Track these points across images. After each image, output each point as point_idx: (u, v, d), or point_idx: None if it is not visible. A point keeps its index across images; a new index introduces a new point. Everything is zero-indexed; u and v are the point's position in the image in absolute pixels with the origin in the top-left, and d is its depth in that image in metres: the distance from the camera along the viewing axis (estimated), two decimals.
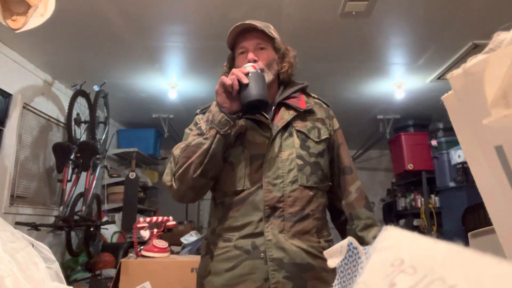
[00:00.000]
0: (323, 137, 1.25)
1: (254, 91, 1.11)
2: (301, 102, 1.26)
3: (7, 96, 2.90)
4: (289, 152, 1.19)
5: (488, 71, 0.37)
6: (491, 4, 2.33)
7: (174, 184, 1.17)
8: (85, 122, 3.52)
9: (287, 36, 2.75)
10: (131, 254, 2.01)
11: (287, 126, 1.22)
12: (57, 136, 3.62)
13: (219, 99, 1.13)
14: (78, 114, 3.43)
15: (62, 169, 3.17)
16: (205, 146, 1.12)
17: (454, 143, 4.12)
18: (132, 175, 4.33)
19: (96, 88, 3.46)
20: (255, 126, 1.21)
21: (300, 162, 1.18)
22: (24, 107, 3.11)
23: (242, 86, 1.11)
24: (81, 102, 3.46)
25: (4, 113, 2.89)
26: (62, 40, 2.82)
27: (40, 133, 3.37)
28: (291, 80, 1.32)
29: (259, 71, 1.15)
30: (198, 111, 1.36)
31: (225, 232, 1.19)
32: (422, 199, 4.52)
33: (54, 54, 3.08)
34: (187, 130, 1.33)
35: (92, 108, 3.47)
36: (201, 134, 1.16)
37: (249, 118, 1.21)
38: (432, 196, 4.50)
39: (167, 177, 1.20)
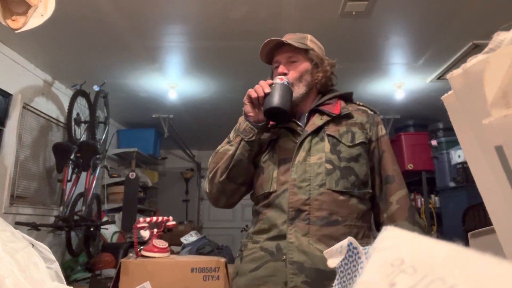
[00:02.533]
0: (357, 141, 1.20)
1: (274, 100, 1.17)
2: (336, 107, 1.25)
3: (7, 96, 2.90)
4: (318, 156, 1.18)
5: (488, 71, 0.37)
6: (491, 4, 2.33)
7: (207, 188, 1.26)
8: (85, 122, 3.52)
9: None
10: (131, 254, 2.01)
11: (318, 131, 1.21)
12: (57, 136, 3.62)
13: (245, 109, 1.22)
14: (78, 114, 3.43)
15: (62, 169, 3.17)
16: (230, 152, 1.21)
17: (454, 143, 4.12)
18: (132, 175, 4.33)
19: (96, 88, 3.46)
20: (288, 133, 1.25)
21: (329, 166, 1.16)
22: (24, 107, 3.11)
23: (266, 96, 1.19)
24: (81, 102, 3.46)
25: (4, 113, 2.89)
26: (62, 40, 2.82)
27: (40, 133, 3.37)
28: (330, 89, 1.33)
29: (285, 82, 1.21)
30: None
31: (255, 234, 1.21)
32: (422, 199, 4.52)
33: (54, 54, 3.08)
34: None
35: (92, 108, 3.47)
36: (229, 142, 1.25)
37: (282, 126, 1.26)
38: (432, 196, 4.50)
39: (205, 184, 1.29)
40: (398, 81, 3.60)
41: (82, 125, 3.50)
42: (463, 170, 3.84)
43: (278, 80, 1.21)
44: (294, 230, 1.12)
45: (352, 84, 3.70)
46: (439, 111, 4.05)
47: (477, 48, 2.83)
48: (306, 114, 1.27)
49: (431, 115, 4.49)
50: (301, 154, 1.18)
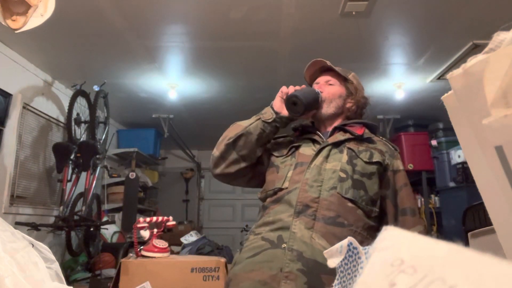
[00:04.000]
0: (374, 160, 1.24)
1: (297, 92, 1.28)
2: (360, 130, 1.32)
3: (7, 96, 2.90)
4: (334, 164, 1.22)
5: (488, 71, 0.37)
6: (491, 4, 2.33)
7: (213, 151, 1.34)
8: (85, 122, 3.52)
9: (287, 36, 2.75)
10: (131, 254, 2.01)
11: (339, 144, 1.27)
12: (57, 136, 3.62)
13: (274, 101, 1.33)
14: (78, 114, 3.43)
15: (62, 169, 3.17)
16: (245, 125, 1.31)
17: (454, 143, 4.12)
18: (132, 175, 4.33)
19: (96, 88, 3.46)
20: (310, 142, 1.32)
21: (343, 175, 1.19)
22: (24, 107, 3.11)
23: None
24: (81, 102, 3.46)
25: (4, 113, 2.89)
26: (62, 40, 2.82)
27: (40, 133, 3.37)
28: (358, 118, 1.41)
29: (316, 90, 1.34)
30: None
31: (258, 227, 1.23)
32: (422, 199, 4.52)
33: (54, 54, 3.08)
34: None
35: (92, 108, 3.46)
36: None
37: (306, 137, 1.34)
38: (432, 196, 4.50)
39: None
40: (398, 81, 3.60)
41: (82, 125, 3.50)
42: (463, 170, 3.84)
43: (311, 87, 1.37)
44: (299, 223, 1.13)
45: None
46: (439, 111, 4.04)
47: (477, 48, 2.83)
48: (330, 131, 1.34)
49: (431, 115, 4.49)
50: (319, 159, 1.23)
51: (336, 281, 0.63)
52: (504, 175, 0.39)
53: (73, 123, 3.29)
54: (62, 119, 3.63)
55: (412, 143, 4.63)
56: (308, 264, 1.07)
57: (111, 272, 3.02)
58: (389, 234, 0.29)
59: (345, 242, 0.63)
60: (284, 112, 1.30)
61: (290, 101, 1.28)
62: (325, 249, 1.07)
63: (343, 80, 1.40)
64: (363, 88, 1.44)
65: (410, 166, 4.59)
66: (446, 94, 0.49)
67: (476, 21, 2.52)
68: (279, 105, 1.32)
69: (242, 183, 1.40)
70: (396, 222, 1.24)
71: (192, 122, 4.82)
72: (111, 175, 4.54)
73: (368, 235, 1.17)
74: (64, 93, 3.66)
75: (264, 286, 1.09)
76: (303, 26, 2.62)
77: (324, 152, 1.24)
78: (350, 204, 1.16)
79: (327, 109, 1.35)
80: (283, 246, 1.11)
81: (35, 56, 3.10)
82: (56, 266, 0.88)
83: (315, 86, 1.39)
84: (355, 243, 0.62)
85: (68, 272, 3.24)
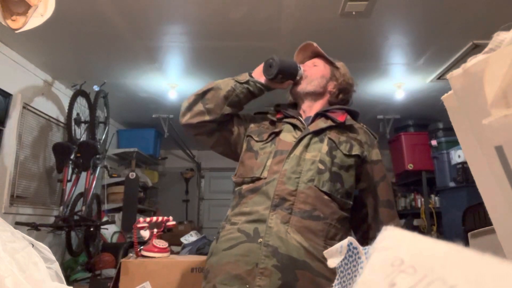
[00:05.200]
0: (353, 153, 1.24)
1: (275, 56, 1.29)
2: (341, 117, 1.30)
3: (7, 96, 2.90)
4: (313, 154, 1.21)
5: (488, 71, 0.37)
6: (491, 4, 2.33)
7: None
8: (85, 122, 3.52)
9: (287, 36, 2.75)
10: (131, 254, 2.01)
11: (320, 132, 1.26)
12: (57, 136, 3.62)
13: (256, 68, 1.33)
14: (78, 114, 3.43)
15: (62, 169, 3.17)
16: (217, 82, 1.32)
17: (454, 143, 4.11)
18: (132, 175, 4.32)
19: (96, 88, 3.46)
20: (291, 128, 1.29)
21: (321, 166, 1.19)
22: (24, 107, 3.11)
23: None
24: (81, 102, 3.46)
25: (4, 113, 2.89)
26: (62, 40, 2.82)
27: (40, 133, 3.37)
28: (343, 105, 1.39)
29: (297, 63, 1.35)
30: (253, 113, 1.48)
31: (234, 216, 1.23)
32: (422, 199, 4.52)
33: (54, 54, 3.08)
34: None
35: (92, 108, 3.46)
36: None
37: (287, 121, 1.31)
38: (432, 196, 4.50)
39: None
40: (398, 81, 3.59)
41: (82, 125, 3.50)
42: (463, 170, 3.84)
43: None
44: (275, 217, 1.14)
45: None
46: (439, 111, 4.04)
47: (477, 48, 2.83)
48: (312, 117, 1.32)
49: (431, 115, 4.49)
50: (299, 148, 1.22)
51: (336, 281, 0.63)
52: (504, 175, 0.39)
53: (73, 123, 3.29)
54: (62, 119, 3.63)
55: (412, 143, 4.64)
56: (282, 260, 1.09)
57: (111, 272, 3.02)
58: (389, 234, 0.29)
59: (345, 242, 0.63)
60: (262, 78, 1.30)
61: (267, 63, 1.29)
62: (300, 244, 1.10)
63: (329, 63, 1.40)
64: (351, 78, 1.43)
65: (410, 166, 4.59)
66: (446, 94, 0.49)
67: (476, 21, 2.52)
68: (258, 71, 1.32)
69: (206, 141, 1.38)
70: (375, 214, 1.28)
71: None
72: (111, 175, 4.54)
73: (341, 226, 1.21)
74: (64, 93, 3.66)
75: (240, 280, 1.11)
76: (303, 26, 2.62)
77: (305, 141, 1.23)
78: (326, 197, 1.18)
79: (307, 86, 1.34)
80: (259, 240, 1.12)
81: (35, 56, 3.10)
82: (56, 266, 0.88)
83: (302, 65, 1.39)
84: (355, 243, 0.62)
85: (68, 272, 3.24)
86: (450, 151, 4.11)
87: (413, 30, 2.69)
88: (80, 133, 3.46)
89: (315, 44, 1.38)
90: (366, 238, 1.30)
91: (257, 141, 1.30)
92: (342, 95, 1.38)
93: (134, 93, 3.94)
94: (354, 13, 2.41)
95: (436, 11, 2.43)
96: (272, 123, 1.35)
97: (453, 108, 0.49)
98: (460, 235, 3.32)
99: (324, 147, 1.22)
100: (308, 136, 1.24)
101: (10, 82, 2.92)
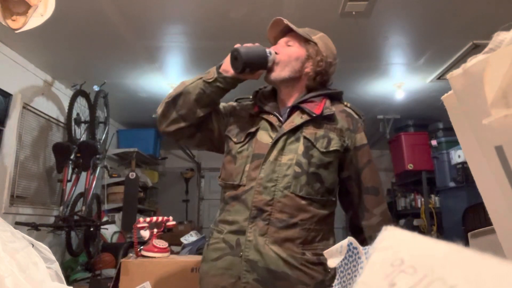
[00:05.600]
0: (331, 149, 1.18)
1: (240, 47, 1.19)
2: (318, 107, 1.22)
3: (7, 96, 2.90)
4: (289, 157, 1.17)
5: (488, 71, 0.37)
6: (491, 4, 2.33)
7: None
8: (85, 122, 3.52)
9: None
10: (131, 254, 2.01)
11: (296, 130, 1.20)
12: (57, 136, 3.62)
13: (225, 59, 1.23)
14: (78, 114, 3.43)
15: (62, 169, 3.17)
16: (187, 83, 1.25)
17: (454, 143, 4.11)
18: (132, 175, 4.32)
19: (96, 88, 3.46)
20: (267, 126, 1.24)
21: (297, 169, 1.16)
22: (24, 107, 3.11)
23: None
24: (81, 102, 3.46)
25: (4, 113, 2.89)
26: (62, 40, 2.82)
27: (40, 133, 3.37)
28: (322, 86, 1.29)
29: (266, 49, 1.21)
30: (235, 100, 1.42)
31: (220, 223, 1.24)
32: (422, 199, 4.52)
33: (54, 54, 3.08)
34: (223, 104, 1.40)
35: (92, 108, 3.47)
36: None
37: (263, 118, 1.25)
38: (432, 196, 4.50)
39: None
40: (398, 81, 3.59)
41: (82, 125, 3.50)
42: (463, 170, 3.84)
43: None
44: (253, 229, 1.14)
45: (352, 84, 3.70)
46: (439, 111, 4.04)
47: (477, 48, 2.83)
48: (288, 109, 1.25)
49: (431, 115, 4.49)
50: (274, 152, 1.18)
51: (336, 281, 0.63)
52: (504, 175, 0.39)
53: (73, 123, 3.29)
54: (62, 119, 3.63)
55: (412, 143, 4.64)
56: (263, 274, 1.12)
57: (111, 272, 3.02)
58: (389, 234, 0.29)
59: (345, 242, 0.63)
60: (231, 72, 1.20)
61: (232, 56, 1.18)
62: (278, 255, 1.11)
63: (304, 41, 1.26)
64: (332, 52, 1.29)
65: (410, 166, 4.59)
66: (446, 94, 0.49)
67: (476, 21, 2.52)
68: (226, 64, 1.21)
69: (190, 144, 1.35)
70: (359, 202, 1.24)
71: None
72: (111, 175, 4.54)
73: (323, 226, 1.19)
74: (64, 93, 3.66)
75: None
76: (303, 26, 2.61)
77: (280, 144, 1.18)
78: (303, 202, 1.15)
79: (281, 72, 1.23)
80: (240, 254, 1.14)
81: (35, 56, 3.10)
82: (56, 266, 0.88)
83: (273, 48, 1.26)
84: (355, 243, 0.62)
85: (68, 272, 3.24)
86: (450, 151, 4.11)
87: (413, 30, 2.69)
88: (80, 133, 3.46)
89: (285, 21, 1.26)
90: (353, 225, 1.30)
91: (235, 143, 1.26)
92: (319, 78, 1.25)
93: (134, 93, 3.94)
94: (354, 13, 2.41)
95: (436, 11, 2.43)
96: (251, 116, 1.29)
97: (453, 108, 0.49)
98: (460, 235, 3.32)
99: (300, 147, 1.18)
100: (283, 138, 1.19)
101: (10, 82, 2.92)
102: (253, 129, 1.25)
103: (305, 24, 2.77)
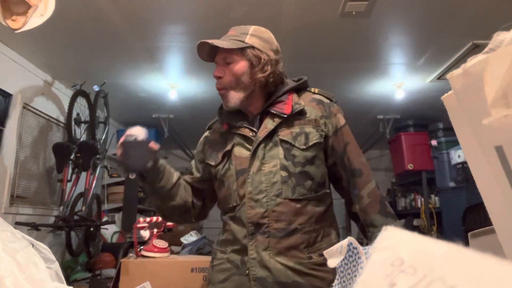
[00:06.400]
0: (311, 143, 1.16)
1: (124, 159, 1.16)
2: (287, 105, 1.18)
3: (7, 96, 2.90)
4: (273, 164, 1.15)
5: (488, 71, 0.37)
6: (491, 4, 2.33)
7: None
8: (85, 122, 3.52)
9: (287, 36, 2.75)
10: (131, 254, 2.01)
11: (271, 135, 1.17)
12: (57, 136, 3.62)
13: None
14: (78, 114, 3.43)
15: (62, 169, 3.17)
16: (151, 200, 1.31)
17: (454, 143, 4.12)
18: (132, 175, 4.31)
19: (96, 88, 3.46)
20: (242, 141, 1.20)
21: (284, 173, 1.14)
22: (24, 107, 3.11)
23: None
24: (81, 102, 3.46)
25: (4, 113, 2.88)
26: (62, 40, 2.82)
27: (40, 133, 3.37)
28: (282, 84, 1.23)
29: (132, 138, 1.14)
30: (206, 128, 1.39)
31: (223, 243, 1.23)
32: (422, 199, 4.52)
33: (54, 54, 3.08)
34: (195, 159, 1.37)
35: (92, 108, 3.46)
36: None
37: (236, 133, 1.22)
38: (432, 196, 4.50)
39: None
40: (398, 81, 3.60)
41: (82, 125, 3.50)
42: (463, 170, 3.84)
43: (129, 136, 1.14)
44: (254, 246, 1.13)
45: (352, 84, 3.70)
46: (439, 111, 4.04)
47: (477, 48, 2.83)
48: (258, 116, 1.22)
49: (431, 115, 4.49)
50: (256, 163, 1.15)
51: (336, 281, 0.63)
52: (504, 175, 0.39)
53: (73, 123, 3.29)
54: (62, 119, 3.63)
55: (412, 143, 4.64)
56: None
57: (111, 272, 3.02)
58: (389, 234, 0.29)
59: (345, 242, 0.63)
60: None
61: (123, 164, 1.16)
62: (285, 266, 1.10)
63: (241, 50, 1.17)
64: (270, 45, 1.21)
65: (410, 166, 4.59)
66: (446, 94, 0.49)
67: (476, 21, 2.52)
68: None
69: (211, 206, 1.37)
70: (349, 186, 1.21)
71: (192, 122, 4.82)
72: (111, 175, 4.54)
73: (322, 223, 1.18)
74: (64, 93, 3.66)
75: None
76: (303, 26, 2.62)
77: (259, 153, 1.16)
78: (298, 205, 1.13)
79: (235, 95, 1.18)
80: (246, 273, 1.13)
81: (35, 56, 3.10)
82: (56, 266, 0.88)
83: (214, 74, 1.21)
84: (355, 243, 0.62)
85: (68, 272, 3.24)
86: (450, 151, 4.11)
87: (413, 30, 2.69)
88: (80, 133, 3.46)
89: (209, 42, 1.19)
90: (350, 212, 1.29)
91: (215, 166, 1.24)
92: (272, 78, 1.18)
93: (134, 93, 3.94)
94: (354, 13, 2.41)
95: (436, 11, 2.43)
96: (222, 135, 1.27)
97: (453, 108, 0.49)
98: (460, 235, 3.32)
99: (280, 151, 1.15)
100: (261, 146, 1.16)
101: (10, 82, 2.92)
102: (228, 147, 1.22)
103: (305, 24, 2.78)
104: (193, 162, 1.36)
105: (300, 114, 1.19)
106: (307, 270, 1.11)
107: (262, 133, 1.17)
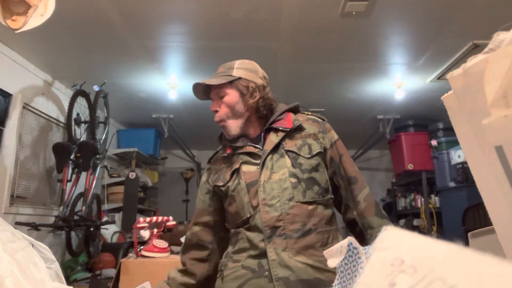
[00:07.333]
0: (314, 152, 1.26)
1: None
2: (288, 121, 1.29)
3: (7, 96, 2.90)
4: (281, 172, 1.22)
5: (488, 71, 0.37)
6: (491, 4, 2.33)
7: None
8: (85, 122, 3.52)
9: (287, 36, 2.75)
10: (131, 254, 2.01)
11: (277, 148, 1.26)
12: (57, 136, 3.62)
13: None
14: (78, 114, 3.43)
15: (62, 169, 3.17)
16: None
17: (454, 143, 4.12)
18: (132, 175, 4.32)
19: (96, 88, 3.46)
20: (248, 158, 1.28)
21: (293, 180, 1.21)
22: (24, 107, 3.11)
23: None
24: (81, 102, 3.46)
25: (4, 113, 2.89)
26: (62, 40, 2.82)
27: (40, 133, 3.37)
28: (277, 107, 1.35)
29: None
30: (207, 162, 1.46)
31: (235, 254, 1.25)
32: (422, 199, 4.52)
33: (54, 54, 3.08)
34: (199, 195, 1.42)
35: (92, 108, 3.46)
36: None
37: (241, 152, 1.29)
38: (432, 196, 4.50)
39: None
40: (398, 81, 3.59)
41: (82, 125, 3.50)
42: (463, 170, 3.84)
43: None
44: (273, 248, 1.16)
45: (352, 84, 3.70)
46: (439, 111, 4.05)
47: (477, 48, 2.83)
48: (262, 134, 1.31)
49: (431, 115, 4.49)
50: (265, 173, 1.23)
51: (336, 281, 0.63)
52: (504, 175, 0.39)
53: (73, 123, 3.29)
54: (62, 119, 3.63)
55: (412, 143, 4.64)
56: (297, 287, 1.13)
57: (111, 272, 3.02)
58: (389, 234, 0.29)
59: (345, 242, 0.63)
60: None
61: None
62: (306, 264, 1.13)
63: (230, 83, 1.30)
64: (255, 73, 1.33)
65: (410, 166, 4.59)
66: (446, 94, 0.49)
67: (476, 21, 2.52)
68: None
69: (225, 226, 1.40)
70: (347, 193, 1.30)
71: (192, 122, 4.82)
72: (111, 175, 4.54)
73: (331, 226, 1.25)
74: (64, 93, 3.66)
75: None
76: (303, 26, 2.62)
77: (268, 164, 1.23)
78: (310, 207, 1.20)
79: (233, 124, 1.30)
80: (265, 274, 1.15)
81: (35, 56, 3.10)
82: (56, 266, 0.88)
83: (211, 108, 1.34)
84: (355, 243, 0.62)
85: (68, 272, 3.24)
86: (450, 151, 4.11)
87: (413, 30, 2.69)
88: (80, 133, 3.46)
89: (201, 82, 1.33)
90: (347, 220, 1.33)
91: (223, 186, 1.29)
92: (262, 103, 1.30)
93: (134, 93, 3.94)
94: (354, 13, 2.41)
95: (436, 11, 2.43)
96: (226, 159, 1.33)
97: (453, 108, 0.49)
98: (460, 235, 3.32)
99: (287, 160, 1.24)
100: (269, 157, 1.24)
101: (10, 82, 2.92)
102: (236, 165, 1.28)
103: (305, 24, 2.78)
104: (198, 201, 1.40)
105: (299, 129, 1.30)
106: (325, 267, 1.13)
107: (269, 146, 1.26)
